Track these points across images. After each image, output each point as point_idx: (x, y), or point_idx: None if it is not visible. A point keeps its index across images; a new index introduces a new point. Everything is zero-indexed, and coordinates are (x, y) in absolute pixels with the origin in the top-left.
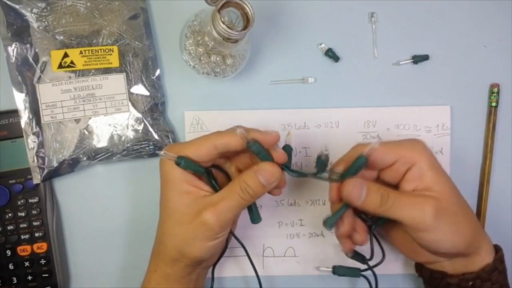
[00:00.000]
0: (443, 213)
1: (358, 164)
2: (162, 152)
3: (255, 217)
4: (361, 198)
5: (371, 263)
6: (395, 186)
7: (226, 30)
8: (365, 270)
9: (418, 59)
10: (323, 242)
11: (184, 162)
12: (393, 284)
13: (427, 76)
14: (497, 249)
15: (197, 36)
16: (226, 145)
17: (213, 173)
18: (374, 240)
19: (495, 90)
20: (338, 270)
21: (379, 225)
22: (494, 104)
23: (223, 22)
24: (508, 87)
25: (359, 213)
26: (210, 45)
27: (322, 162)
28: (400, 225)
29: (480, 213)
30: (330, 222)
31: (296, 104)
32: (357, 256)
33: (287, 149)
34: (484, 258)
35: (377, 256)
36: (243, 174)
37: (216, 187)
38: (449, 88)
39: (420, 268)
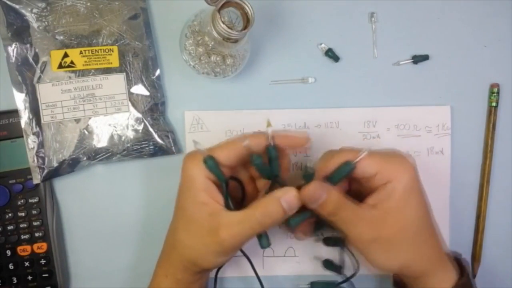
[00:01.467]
0: (380, 241)
1: (345, 171)
2: (196, 145)
3: (264, 243)
4: (317, 202)
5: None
6: (362, 194)
7: (226, 30)
8: (343, 282)
9: (418, 59)
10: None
11: (211, 162)
12: (372, 284)
13: (427, 76)
14: (463, 272)
15: (197, 36)
16: (257, 145)
17: (229, 186)
18: (346, 251)
19: (495, 90)
20: (315, 286)
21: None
22: (494, 104)
23: (223, 22)
24: (508, 87)
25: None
26: (210, 45)
27: (309, 175)
28: None
29: (480, 214)
30: (293, 223)
31: (296, 104)
32: (333, 267)
33: (272, 152)
34: (442, 283)
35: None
36: (263, 201)
37: (229, 205)
38: (449, 88)
39: (397, 282)
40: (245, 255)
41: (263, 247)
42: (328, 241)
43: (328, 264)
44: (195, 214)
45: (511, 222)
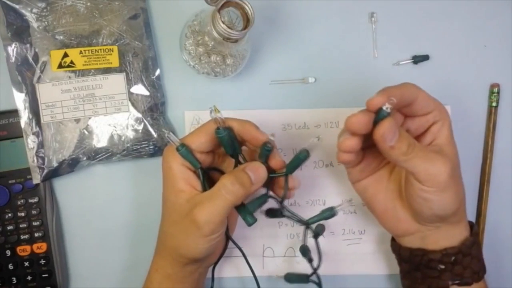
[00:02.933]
0: (453, 174)
1: (300, 158)
2: (167, 133)
3: (249, 220)
4: (392, 141)
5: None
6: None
7: (226, 30)
8: (312, 274)
9: (418, 59)
10: (322, 242)
11: (184, 150)
12: (344, 284)
13: (427, 76)
14: (471, 224)
15: (197, 36)
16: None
17: (207, 173)
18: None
19: (496, 90)
20: (289, 278)
21: (313, 223)
22: (494, 104)
23: (223, 22)
24: (508, 87)
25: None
26: (210, 45)
27: (265, 152)
28: (386, 191)
29: (480, 213)
30: (251, 207)
31: (296, 104)
32: (307, 256)
33: (221, 133)
34: (463, 231)
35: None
36: (230, 173)
37: (206, 186)
38: (449, 88)
39: (398, 248)
40: (243, 254)
41: (249, 224)
42: (269, 213)
43: (304, 251)
44: (175, 203)
45: (511, 222)
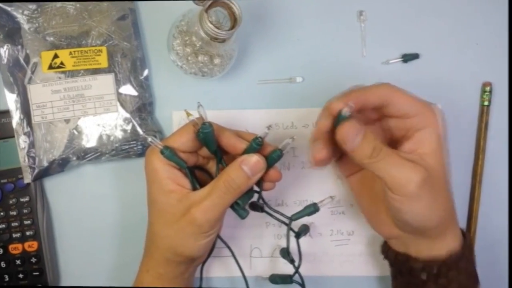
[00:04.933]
0: (427, 186)
1: (273, 157)
2: (149, 139)
3: (242, 214)
4: (354, 143)
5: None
6: (395, 140)
7: (214, 30)
8: (294, 274)
9: (408, 57)
10: (310, 242)
11: (168, 152)
12: (332, 285)
13: (417, 75)
14: (465, 236)
15: (184, 36)
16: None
17: (194, 171)
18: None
19: (488, 88)
20: (273, 279)
21: (296, 219)
22: (486, 103)
23: (210, 22)
24: (500, 86)
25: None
26: (198, 45)
27: (253, 148)
28: (371, 191)
29: (472, 214)
30: (241, 203)
31: (283, 103)
32: (288, 257)
33: (206, 129)
34: (450, 244)
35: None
36: (226, 168)
37: (195, 185)
38: (440, 87)
39: (387, 250)
40: (232, 254)
41: (242, 217)
42: (251, 206)
43: (283, 253)
44: (165, 204)
45: (503, 223)
